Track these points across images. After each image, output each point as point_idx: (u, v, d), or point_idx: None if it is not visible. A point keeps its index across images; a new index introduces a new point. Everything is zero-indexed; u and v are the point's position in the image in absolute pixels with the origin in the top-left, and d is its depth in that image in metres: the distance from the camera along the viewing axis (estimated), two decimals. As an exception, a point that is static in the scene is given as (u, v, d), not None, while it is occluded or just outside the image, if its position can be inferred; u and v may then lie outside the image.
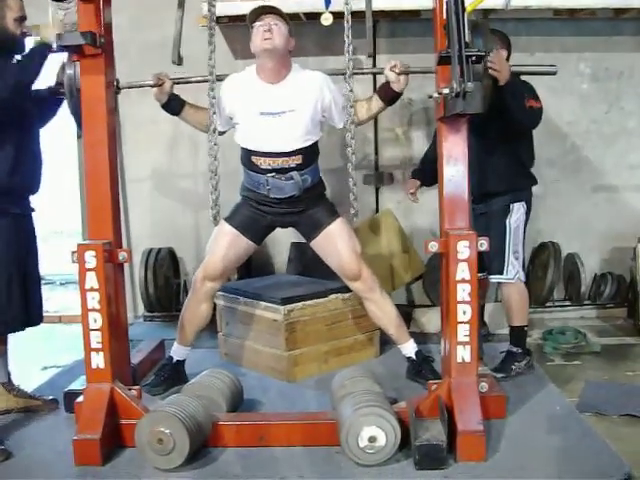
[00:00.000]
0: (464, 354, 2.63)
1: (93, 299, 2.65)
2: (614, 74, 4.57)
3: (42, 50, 2.82)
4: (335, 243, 3.23)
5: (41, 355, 4.04)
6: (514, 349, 3.39)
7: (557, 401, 3.04)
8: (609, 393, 3.18)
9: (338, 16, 2.86)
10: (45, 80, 3.04)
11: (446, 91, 2.49)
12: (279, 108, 3.10)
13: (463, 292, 2.61)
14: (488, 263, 3.35)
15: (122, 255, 2.78)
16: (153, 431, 2.45)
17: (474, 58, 2.46)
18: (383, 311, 3.27)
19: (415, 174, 3.89)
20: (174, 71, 3.22)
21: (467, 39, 2.47)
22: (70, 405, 2.91)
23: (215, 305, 3.78)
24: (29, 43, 2.96)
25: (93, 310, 2.66)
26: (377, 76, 4.55)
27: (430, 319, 4.23)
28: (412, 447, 2.44)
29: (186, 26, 3.35)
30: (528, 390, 3.14)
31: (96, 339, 2.67)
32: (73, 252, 2.66)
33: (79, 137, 2.94)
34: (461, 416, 2.53)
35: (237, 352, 3.66)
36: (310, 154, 3.21)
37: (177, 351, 3.32)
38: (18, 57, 2.87)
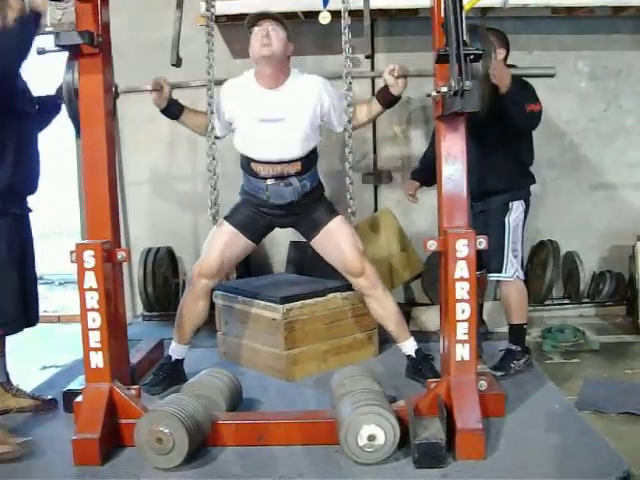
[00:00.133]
0: (463, 352, 2.63)
1: (92, 299, 2.65)
2: (612, 72, 4.57)
3: (31, 18, 2.74)
4: (336, 240, 3.23)
5: (40, 355, 4.04)
6: (513, 347, 3.39)
7: (556, 399, 3.04)
8: (608, 391, 3.18)
9: (336, 15, 2.86)
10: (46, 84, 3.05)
11: (444, 89, 2.49)
12: (278, 114, 3.11)
13: (462, 290, 2.60)
14: (487, 261, 3.35)
15: (121, 254, 2.78)
16: (152, 430, 2.45)
17: (472, 56, 2.45)
18: (385, 308, 3.27)
19: (414, 175, 3.90)
20: (172, 71, 3.21)
21: (465, 38, 2.47)
22: (69, 405, 2.91)
23: (214, 304, 3.79)
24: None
25: (92, 310, 2.66)
26: (375, 70, 4.56)
27: (429, 317, 4.23)
28: (411, 446, 2.44)
29: (184, 26, 3.35)
30: (527, 388, 3.14)
31: (95, 339, 2.67)
32: (72, 252, 2.65)
33: (78, 137, 2.93)
34: (460, 414, 2.53)
35: (236, 351, 3.66)
36: (309, 160, 3.23)
37: (175, 350, 3.32)
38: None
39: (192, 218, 4.76)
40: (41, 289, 3.16)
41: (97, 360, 2.68)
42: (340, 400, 2.63)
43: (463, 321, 2.62)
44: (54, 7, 2.69)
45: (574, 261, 4.50)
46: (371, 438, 2.42)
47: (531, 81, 3.32)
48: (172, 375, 3.26)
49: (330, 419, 2.62)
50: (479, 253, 2.70)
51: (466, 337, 2.62)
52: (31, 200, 3.12)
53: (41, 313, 3.23)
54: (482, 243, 2.62)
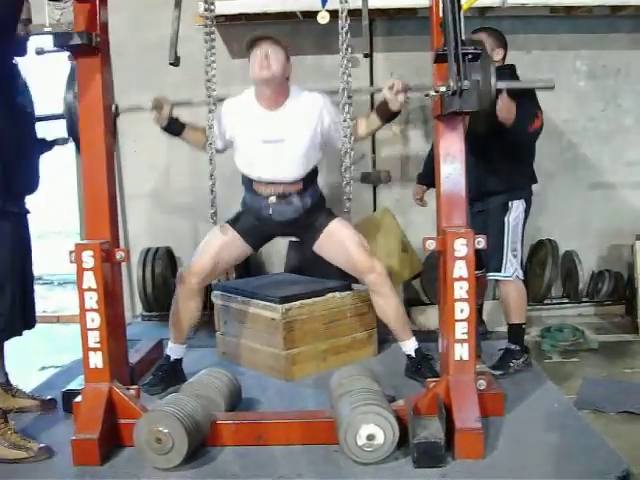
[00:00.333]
0: (462, 352, 2.63)
1: (91, 299, 2.65)
2: (611, 71, 4.58)
3: None
4: (340, 241, 3.25)
5: (39, 355, 4.04)
6: (512, 347, 3.39)
7: (555, 398, 3.04)
8: (607, 390, 3.18)
9: (335, 15, 2.86)
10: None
11: (443, 89, 2.49)
12: (279, 135, 3.14)
13: (460, 290, 2.61)
14: (486, 261, 3.35)
15: (119, 254, 2.78)
16: (152, 430, 2.45)
17: (470, 56, 2.46)
18: (391, 306, 3.26)
19: (420, 179, 3.94)
20: (171, 71, 3.21)
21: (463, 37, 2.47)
22: (68, 405, 2.91)
23: (213, 304, 3.79)
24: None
25: (91, 310, 2.66)
26: (374, 70, 4.58)
27: (428, 317, 4.23)
28: (410, 445, 2.44)
29: (183, 25, 3.34)
30: (526, 387, 3.14)
31: (94, 339, 2.67)
32: (71, 252, 2.65)
33: (78, 153, 2.95)
34: (459, 414, 2.53)
35: (235, 351, 3.66)
36: (310, 179, 3.28)
37: (173, 350, 3.32)
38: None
39: (191, 218, 4.76)
40: (40, 289, 3.17)
41: (96, 360, 2.68)
42: (339, 400, 2.63)
43: (462, 320, 2.62)
44: (52, 7, 2.70)
45: (573, 260, 4.50)
46: (370, 438, 2.42)
47: (527, 77, 3.32)
48: (171, 375, 3.26)
49: (329, 419, 2.62)
50: (478, 253, 2.70)
51: (465, 337, 2.62)
52: (30, 200, 3.12)
53: (40, 313, 3.23)
54: (481, 242, 2.62)
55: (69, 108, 2.98)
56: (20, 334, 3.00)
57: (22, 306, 2.97)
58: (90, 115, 2.78)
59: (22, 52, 2.90)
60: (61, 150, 3.36)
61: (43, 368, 3.85)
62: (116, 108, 3.09)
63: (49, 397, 3.12)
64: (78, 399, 2.75)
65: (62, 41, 2.64)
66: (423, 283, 4.55)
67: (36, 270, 3.16)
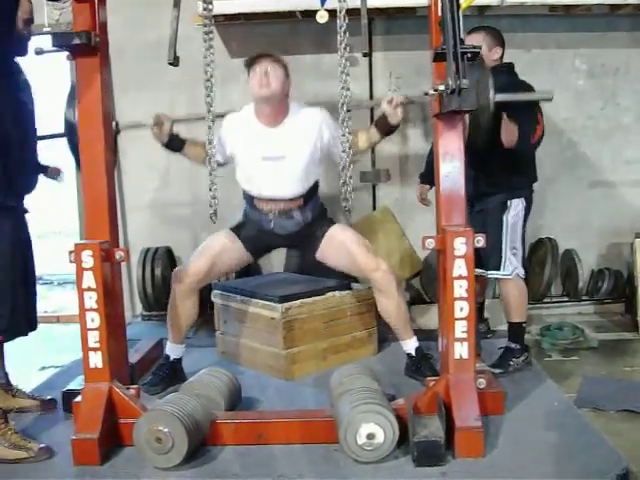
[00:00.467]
0: (462, 351, 2.63)
1: (90, 299, 2.65)
2: (610, 70, 4.57)
3: None
4: (341, 244, 3.27)
5: (39, 355, 4.03)
6: (512, 345, 3.39)
7: (555, 397, 3.04)
8: (607, 389, 3.19)
9: (334, 14, 2.85)
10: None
11: (442, 88, 2.48)
12: (279, 152, 3.17)
13: (460, 289, 2.60)
14: (485, 259, 3.35)
15: (119, 254, 2.78)
16: (152, 430, 2.45)
17: (469, 55, 2.46)
18: (395, 305, 3.26)
19: (422, 178, 3.94)
20: (170, 71, 3.21)
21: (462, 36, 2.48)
22: (68, 405, 2.91)
23: (212, 303, 3.79)
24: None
25: (91, 310, 2.65)
26: (373, 69, 4.57)
27: (428, 316, 4.23)
28: (410, 444, 2.44)
29: (182, 25, 3.35)
30: (526, 386, 3.14)
31: (94, 339, 2.67)
32: (70, 252, 2.65)
33: (78, 169, 2.95)
34: (459, 412, 2.53)
35: (235, 350, 3.66)
36: (311, 194, 3.31)
37: (172, 349, 3.32)
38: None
39: (191, 218, 4.76)
40: (40, 289, 3.16)
41: (96, 360, 2.68)
42: (339, 399, 2.63)
43: (462, 319, 2.62)
44: (51, 7, 2.70)
45: (573, 259, 4.50)
46: (370, 437, 2.42)
47: (527, 76, 3.33)
48: (171, 375, 3.26)
49: (329, 418, 2.62)
50: (477, 251, 2.70)
51: (465, 335, 2.62)
52: (30, 200, 3.11)
53: (41, 313, 3.22)
54: (480, 241, 2.62)
55: (70, 126, 2.97)
56: (25, 334, 2.98)
57: (25, 306, 2.97)
58: (89, 115, 2.78)
59: (23, 52, 2.91)
60: (60, 150, 3.36)
61: (43, 368, 3.85)
62: (116, 125, 3.11)
63: (49, 397, 3.12)
64: (78, 399, 2.75)
65: (61, 41, 2.64)
66: (423, 282, 4.55)
67: (36, 270, 3.16)
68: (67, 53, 2.80)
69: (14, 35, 2.80)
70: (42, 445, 2.59)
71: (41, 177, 3.20)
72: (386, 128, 3.16)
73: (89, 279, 2.64)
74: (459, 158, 2.72)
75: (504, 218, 3.33)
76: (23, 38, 2.87)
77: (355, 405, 2.47)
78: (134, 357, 3.41)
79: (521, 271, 3.39)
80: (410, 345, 3.33)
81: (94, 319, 2.66)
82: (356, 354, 3.63)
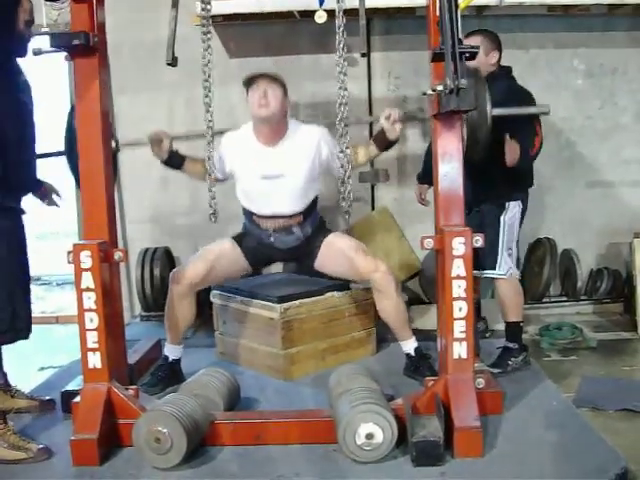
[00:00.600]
0: (460, 350, 2.63)
1: (89, 299, 2.65)
2: (608, 70, 4.58)
3: None
4: (338, 250, 3.29)
5: (38, 356, 4.03)
6: (510, 345, 3.40)
7: (554, 396, 3.04)
8: (606, 388, 3.19)
9: (332, 14, 2.85)
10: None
11: (440, 88, 2.49)
12: (278, 171, 3.19)
13: (459, 288, 2.61)
14: (481, 258, 3.36)
15: (118, 255, 2.78)
16: (150, 430, 2.45)
17: (467, 55, 2.46)
18: (394, 306, 3.26)
19: (420, 179, 3.94)
20: (168, 71, 3.22)
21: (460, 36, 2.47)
22: (67, 405, 2.91)
23: (211, 304, 3.79)
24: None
25: (89, 310, 2.65)
26: (371, 69, 4.57)
27: (426, 316, 4.23)
28: (409, 444, 2.44)
29: (181, 25, 3.35)
30: (525, 386, 3.14)
31: (93, 339, 2.67)
32: (69, 252, 2.65)
33: (78, 187, 2.95)
34: (458, 412, 2.53)
35: (234, 351, 3.66)
36: (310, 210, 3.33)
37: (170, 350, 3.33)
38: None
39: (189, 218, 4.76)
40: (39, 290, 3.15)
41: (95, 360, 2.68)
42: (338, 399, 2.63)
43: (460, 319, 2.62)
44: (50, 7, 2.70)
45: (571, 259, 4.50)
46: (369, 437, 2.42)
47: (527, 77, 3.33)
48: (170, 375, 3.27)
49: (328, 418, 2.62)
50: (474, 251, 2.70)
51: (463, 335, 2.62)
52: (28, 200, 3.11)
53: (39, 314, 3.21)
54: (478, 241, 2.62)
55: (70, 142, 2.97)
56: (26, 337, 2.91)
57: (25, 308, 2.95)
58: (87, 115, 2.78)
59: (24, 52, 2.90)
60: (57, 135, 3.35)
61: (42, 369, 3.85)
62: (116, 143, 3.12)
63: (48, 398, 3.12)
64: (77, 399, 2.75)
65: (59, 41, 2.63)
66: (421, 282, 4.55)
67: (35, 271, 3.15)
68: (65, 54, 2.79)
69: (15, 35, 2.80)
70: (41, 446, 2.59)
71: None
72: (384, 143, 3.17)
73: (88, 280, 2.64)
74: (457, 158, 2.72)
75: (502, 219, 3.34)
76: (24, 39, 2.87)
77: (354, 405, 2.47)
78: (133, 357, 3.41)
79: (515, 271, 3.40)
80: (409, 345, 3.33)
81: (93, 319, 2.66)
82: (355, 354, 3.63)
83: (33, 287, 3.16)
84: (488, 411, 2.76)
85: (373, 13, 4.26)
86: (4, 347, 2.99)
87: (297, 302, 3.46)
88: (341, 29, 2.75)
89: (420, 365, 3.28)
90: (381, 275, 3.19)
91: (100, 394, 2.65)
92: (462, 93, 2.43)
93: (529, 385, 3.16)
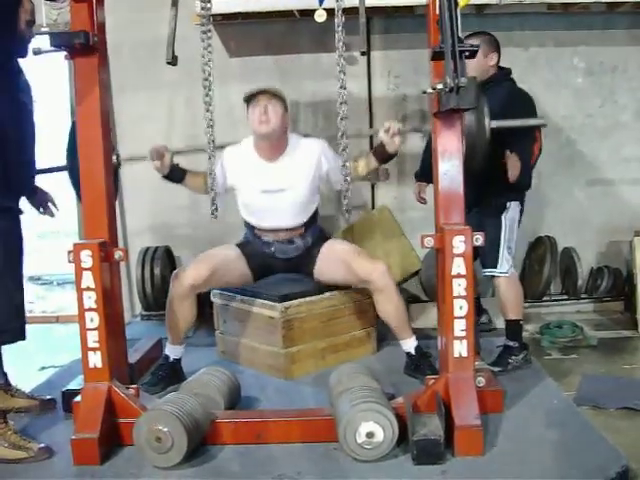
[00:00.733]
0: (461, 349, 2.63)
1: (89, 298, 2.65)
2: (608, 68, 4.57)
3: None
4: (335, 256, 3.33)
5: (39, 355, 4.04)
6: (511, 343, 3.40)
7: (554, 395, 3.04)
8: (606, 386, 3.19)
9: (332, 13, 2.85)
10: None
11: (440, 86, 2.48)
12: (278, 185, 3.23)
13: (459, 287, 2.61)
14: (482, 257, 3.36)
15: (118, 254, 2.78)
16: (151, 429, 2.45)
17: (467, 53, 2.46)
18: (393, 305, 3.26)
19: (418, 177, 3.94)
20: (168, 70, 3.22)
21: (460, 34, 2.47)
22: (68, 405, 2.91)
23: (212, 303, 3.79)
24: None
25: (90, 309, 2.66)
26: (371, 68, 4.57)
27: (427, 315, 4.23)
28: (410, 442, 2.44)
29: (180, 24, 3.35)
30: (525, 384, 3.14)
31: (93, 338, 2.67)
32: (69, 252, 2.65)
33: (79, 200, 2.95)
34: (458, 411, 2.53)
35: (234, 350, 3.66)
36: (311, 222, 3.38)
37: (171, 350, 3.33)
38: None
39: (190, 216, 4.75)
40: (40, 289, 3.15)
41: (95, 360, 2.68)
42: (338, 398, 2.63)
43: (461, 318, 2.62)
44: (50, 7, 2.70)
45: (572, 257, 4.50)
46: (370, 435, 2.43)
47: (527, 78, 3.33)
48: (171, 374, 3.27)
49: (329, 417, 2.62)
50: (474, 249, 2.70)
51: (464, 334, 2.62)
52: (26, 201, 3.12)
53: (40, 313, 3.21)
54: (479, 239, 2.62)
55: (72, 158, 2.97)
56: (23, 338, 2.91)
57: (21, 308, 2.95)
58: (88, 114, 2.78)
59: (24, 53, 2.90)
60: (57, 149, 3.35)
61: (43, 368, 3.85)
62: (117, 157, 3.12)
63: (49, 397, 3.12)
64: (78, 399, 2.76)
65: (59, 41, 2.64)
66: (422, 281, 4.55)
67: (35, 270, 3.15)
68: (65, 53, 2.79)
69: (16, 35, 2.80)
70: (42, 445, 2.60)
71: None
72: (384, 156, 3.18)
73: (88, 279, 2.64)
74: (457, 156, 2.72)
75: (503, 217, 3.34)
76: (25, 39, 2.87)
77: (354, 404, 2.47)
78: (133, 357, 3.41)
79: (514, 270, 3.41)
80: (409, 344, 3.33)
81: (93, 319, 2.66)
82: (355, 353, 3.63)
83: (34, 287, 3.16)
84: (489, 409, 2.76)
85: (373, 12, 4.25)
86: (5, 347, 3.00)
87: (297, 301, 3.46)
88: (340, 28, 2.76)
89: (421, 364, 3.28)
90: (379, 275, 3.19)
91: (101, 393, 2.66)
92: (462, 91, 2.43)
93: (530, 383, 3.15)
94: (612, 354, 3.71)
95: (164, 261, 4.68)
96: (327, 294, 3.57)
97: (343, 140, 2.76)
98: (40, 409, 3.04)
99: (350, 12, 2.80)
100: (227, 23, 4.37)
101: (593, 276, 4.64)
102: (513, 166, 3.18)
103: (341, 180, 2.86)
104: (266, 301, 3.47)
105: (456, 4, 2.46)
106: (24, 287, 3.00)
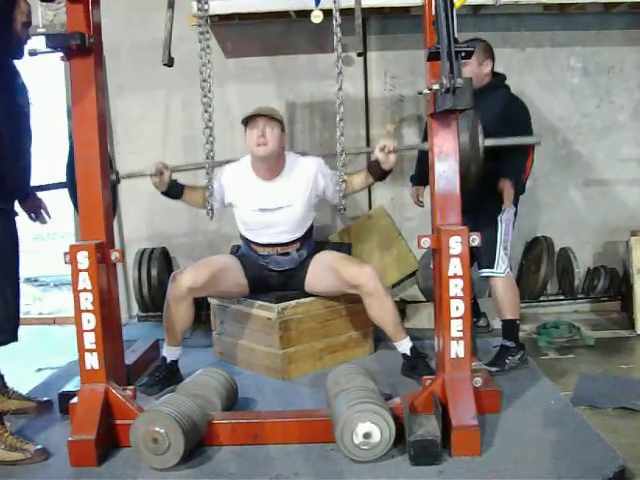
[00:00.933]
0: (457, 349, 2.63)
1: (86, 300, 2.64)
2: (604, 68, 4.58)
3: None
4: (324, 264, 3.37)
5: (35, 357, 4.02)
6: (507, 343, 3.40)
7: (551, 395, 3.05)
8: (603, 386, 3.19)
9: (328, 14, 2.86)
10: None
11: (436, 87, 2.49)
12: (276, 204, 3.29)
13: (456, 287, 2.61)
14: (478, 257, 3.37)
15: (115, 255, 2.78)
16: (148, 431, 2.45)
17: (463, 54, 2.46)
18: (384, 308, 3.27)
19: (414, 180, 3.94)
20: (165, 72, 3.21)
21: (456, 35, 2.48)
22: (65, 406, 2.90)
23: (209, 304, 3.79)
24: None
25: (86, 311, 2.65)
26: (368, 69, 4.57)
27: (423, 315, 4.24)
28: (407, 443, 2.44)
29: (177, 26, 3.35)
30: (522, 384, 3.15)
31: (90, 340, 2.66)
32: (66, 253, 2.65)
33: (77, 212, 2.94)
34: (455, 411, 2.53)
35: (232, 351, 3.66)
36: (306, 237, 3.44)
37: (168, 352, 3.33)
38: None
39: (187, 218, 4.75)
40: (36, 291, 3.14)
41: (92, 361, 2.68)
42: (335, 398, 2.63)
43: (457, 318, 2.62)
44: (46, 8, 2.69)
45: (568, 257, 4.51)
46: (367, 436, 2.43)
47: (523, 78, 3.33)
48: (168, 376, 3.27)
49: (326, 417, 2.63)
50: (471, 253, 2.70)
51: (460, 334, 2.63)
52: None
53: (36, 315, 3.20)
54: (475, 240, 2.63)
55: (71, 173, 2.96)
56: (15, 340, 2.89)
57: (16, 310, 2.94)
58: (84, 115, 2.77)
59: (21, 54, 2.90)
60: (54, 150, 3.35)
61: (39, 370, 3.84)
62: (116, 175, 3.12)
63: (45, 399, 3.12)
64: (74, 400, 2.75)
65: (55, 42, 2.63)
66: (418, 281, 4.55)
67: (32, 271, 3.15)
68: (61, 54, 2.79)
69: (12, 37, 2.80)
70: (39, 447, 2.59)
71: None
72: (379, 173, 3.18)
73: (85, 280, 2.64)
74: (454, 157, 2.72)
75: (499, 218, 3.35)
76: (21, 41, 2.87)
77: (351, 404, 2.47)
78: (130, 358, 3.41)
79: (510, 270, 3.42)
80: (405, 345, 3.34)
81: (90, 320, 2.66)
82: (352, 354, 3.64)
83: (31, 288, 3.15)
84: (486, 410, 2.77)
85: (369, 12, 4.26)
86: (1, 349, 2.98)
87: (294, 302, 3.46)
88: (337, 28, 2.76)
89: (417, 364, 3.28)
90: (367, 278, 3.21)
91: (97, 395, 2.65)
92: (458, 92, 2.43)
93: (526, 384, 3.16)
94: (609, 354, 3.71)
95: (161, 262, 4.68)
96: (324, 295, 3.58)
97: (341, 139, 2.76)
98: (37, 411, 3.05)
99: (347, 13, 2.81)
100: (223, 24, 4.37)
101: (590, 276, 4.64)
102: (508, 193, 3.25)
103: (337, 195, 3.00)
104: (263, 302, 3.47)
105: (452, 5, 2.46)
106: (20, 288, 3.00)
